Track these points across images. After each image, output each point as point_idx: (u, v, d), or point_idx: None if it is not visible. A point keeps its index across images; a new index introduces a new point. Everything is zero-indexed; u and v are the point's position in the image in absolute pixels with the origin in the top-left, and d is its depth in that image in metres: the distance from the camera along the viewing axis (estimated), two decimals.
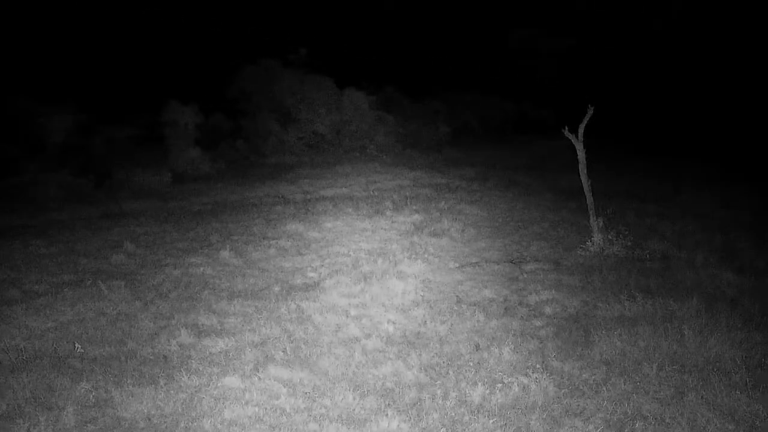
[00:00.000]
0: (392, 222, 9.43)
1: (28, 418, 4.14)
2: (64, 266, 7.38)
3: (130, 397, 4.42)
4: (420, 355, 5.14)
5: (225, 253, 7.82)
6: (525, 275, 7.06)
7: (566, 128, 7.99)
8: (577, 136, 7.94)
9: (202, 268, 7.33)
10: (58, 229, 9.22)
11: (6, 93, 14.37)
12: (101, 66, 16.85)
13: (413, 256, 7.75)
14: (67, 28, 16.32)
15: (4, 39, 15.48)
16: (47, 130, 13.86)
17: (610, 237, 7.68)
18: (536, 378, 4.70)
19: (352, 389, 4.59)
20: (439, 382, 4.74)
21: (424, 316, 5.93)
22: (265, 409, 4.34)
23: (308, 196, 11.79)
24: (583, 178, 7.96)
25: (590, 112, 7.98)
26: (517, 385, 4.63)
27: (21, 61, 15.79)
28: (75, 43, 16.37)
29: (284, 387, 4.61)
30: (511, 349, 5.19)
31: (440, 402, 4.46)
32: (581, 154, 7.89)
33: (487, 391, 4.55)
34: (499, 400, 4.45)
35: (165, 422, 4.17)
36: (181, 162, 14.00)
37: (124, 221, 9.71)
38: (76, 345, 5.22)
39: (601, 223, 7.73)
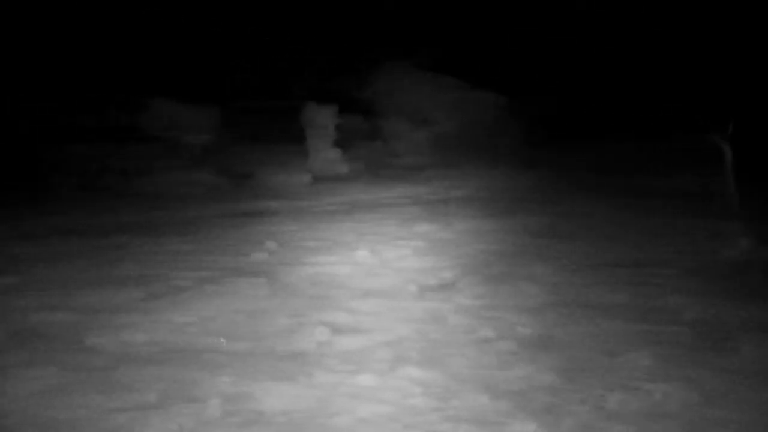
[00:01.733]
0: (519, 224, 9.44)
1: (174, 409, 4.29)
2: (204, 262, 7.63)
3: (269, 392, 4.53)
4: (552, 358, 5.09)
5: (359, 253, 7.94)
6: (655, 279, 6.92)
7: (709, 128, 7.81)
8: (721, 136, 7.74)
9: (336, 267, 7.46)
10: (199, 226, 9.55)
11: (151, 92, 14.97)
12: (238, 67, 17.28)
13: (542, 258, 7.68)
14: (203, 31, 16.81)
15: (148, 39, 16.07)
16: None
17: (755, 240, 7.45)
18: (676, 385, 4.60)
19: (484, 391, 4.58)
20: (572, 386, 4.68)
21: (555, 318, 5.87)
22: (399, 407, 4.38)
23: (439, 197, 11.88)
24: (728, 178, 7.74)
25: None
26: (656, 392, 4.54)
27: (165, 62, 16.36)
28: (220, 43, 16.84)
29: (417, 387, 4.65)
30: (647, 354, 5.08)
31: (574, 407, 4.41)
32: (728, 155, 7.68)
33: (624, 398, 4.47)
34: (636, 407, 4.37)
35: (302, 417, 4.25)
36: (319, 162, 14.30)
37: (262, 220, 9.99)
38: (221, 339, 5.40)
39: (745, 226, 7.51)
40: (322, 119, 14.72)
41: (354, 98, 16.53)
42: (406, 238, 8.68)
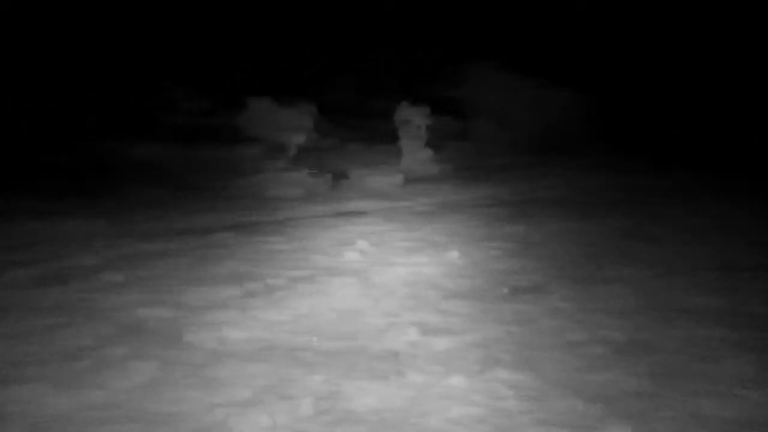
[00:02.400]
0: (606, 225, 9.33)
1: (268, 406, 4.34)
2: (299, 262, 7.69)
3: (361, 391, 4.54)
4: (645, 362, 4.98)
5: (450, 254, 7.91)
6: (747, 283, 6.72)
7: None
8: None
9: (427, 267, 7.46)
10: (294, 226, 9.64)
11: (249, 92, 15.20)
12: (333, 68, 17.41)
13: (630, 260, 7.56)
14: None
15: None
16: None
17: None
18: None
19: (575, 394, 4.51)
20: (665, 392, 4.56)
21: (646, 322, 5.73)
22: (490, 409, 4.33)
23: (526, 197, 11.80)
24: None
25: None
26: (751, 399, 4.40)
27: (263, 62, 16.58)
28: (318, 44, 17.01)
29: (508, 389, 4.60)
30: (742, 361, 4.93)
31: (668, 413, 4.30)
32: None
33: (719, 404, 4.34)
34: (731, 415, 4.24)
35: (393, 417, 4.25)
36: (411, 163, 14.32)
37: (355, 220, 10.04)
38: (314, 338, 5.43)
39: None
40: (415, 119, 14.71)
41: (443, 98, 16.51)
42: (495, 239, 8.62)
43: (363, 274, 7.17)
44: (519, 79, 17.07)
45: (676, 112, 17.69)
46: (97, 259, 7.56)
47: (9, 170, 12.40)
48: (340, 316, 5.94)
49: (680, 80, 18.04)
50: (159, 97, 15.84)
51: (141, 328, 5.61)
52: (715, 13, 18.20)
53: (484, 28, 17.75)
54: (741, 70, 17.84)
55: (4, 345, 5.18)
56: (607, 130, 16.97)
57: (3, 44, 14.52)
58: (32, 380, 4.64)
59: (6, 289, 6.51)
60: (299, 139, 14.63)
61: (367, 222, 9.87)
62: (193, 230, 9.18)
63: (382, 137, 15.45)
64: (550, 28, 18.15)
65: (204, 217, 10.09)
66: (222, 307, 6.11)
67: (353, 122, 16.50)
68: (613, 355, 5.11)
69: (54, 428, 4.05)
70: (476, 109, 17.08)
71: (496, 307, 6.16)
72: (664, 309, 6.05)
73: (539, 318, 5.87)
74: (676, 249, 8.05)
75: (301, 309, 6.11)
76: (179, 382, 4.65)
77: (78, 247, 8.01)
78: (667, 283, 6.77)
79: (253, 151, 14.37)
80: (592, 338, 5.41)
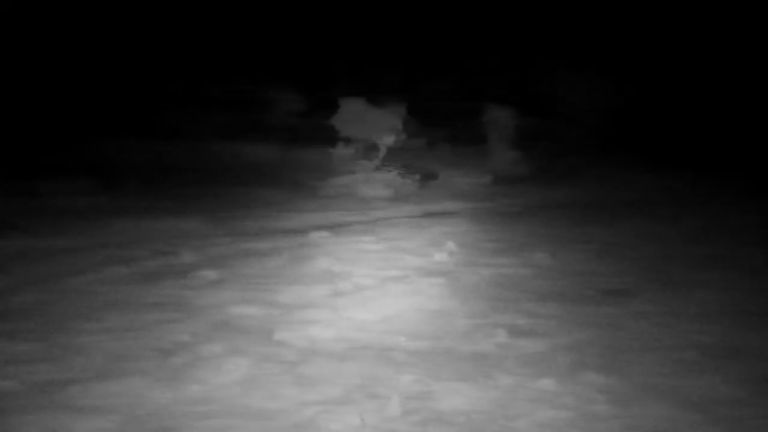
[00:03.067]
0: (687, 227, 9.14)
1: (357, 405, 4.32)
2: (389, 262, 7.68)
3: (449, 392, 4.49)
4: (737, 368, 4.81)
5: (537, 255, 7.80)
6: None
7: None
8: None
9: (515, 269, 7.36)
10: (384, 226, 9.65)
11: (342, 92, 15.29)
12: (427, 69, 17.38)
13: (716, 263, 7.40)
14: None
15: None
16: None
17: None
18: None
19: (666, 399, 4.37)
20: (759, 399, 4.39)
21: (736, 327, 5.56)
22: (579, 413, 4.23)
23: (607, 199, 11.65)
24: None
25: None
26: None
27: (355, 62, 16.64)
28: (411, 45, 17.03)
29: (598, 393, 4.48)
30: None
31: (763, 421, 4.14)
32: None
33: None
34: None
35: (481, 419, 4.18)
36: (499, 163, 14.21)
37: (443, 220, 9.99)
38: (402, 338, 5.40)
39: None
40: (501, 120, 14.61)
41: (528, 98, 16.36)
42: (581, 241, 8.49)
43: (451, 275, 7.12)
44: (594, 78, 16.81)
45: (723, 114, 17.20)
46: (194, 257, 7.67)
47: (119, 168, 12.71)
48: (429, 317, 5.90)
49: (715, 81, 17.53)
50: (258, 98, 16.04)
51: (235, 325, 5.66)
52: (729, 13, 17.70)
53: (557, 28, 17.51)
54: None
55: (105, 340, 5.27)
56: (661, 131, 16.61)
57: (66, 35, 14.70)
58: (132, 374, 4.71)
59: (108, 285, 6.64)
60: (389, 139, 14.64)
61: (455, 222, 9.81)
62: (287, 229, 9.25)
63: (469, 138, 15.36)
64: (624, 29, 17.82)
65: (298, 216, 10.16)
66: (313, 306, 6.13)
67: (441, 123, 16.43)
68: (704, 360, 4.95)
69: (153, 421, 4.10)
70: (558, 110, 16.87)
71: (584, 309, 6.04)
72: (754, 313, 5.86)
73: (627, 321, 5.75)
74: (763, 251, 7.80)
75: (391, 309, 6.08)
76: (271, 379, 4.67)
77: (177, 244, 8.14)
78: (756, 286, 6.56)
79: (345, 152, 14.45)
80: (681, 342, 5.27)
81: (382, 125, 14.69)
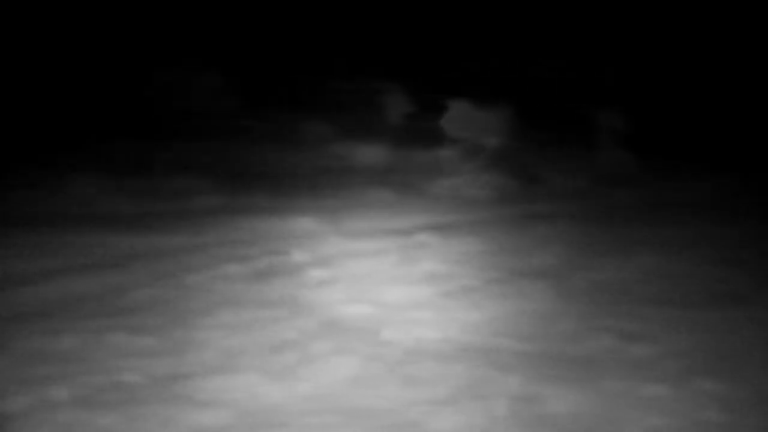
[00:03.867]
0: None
1: (464, 406, 4.25)
2: (494, 263, 7.56)
3: (557, 395, 4.37)
4: None
5: (645, 258, 7.57)
6: None
7: None
8: None
9: (621, 272, 7.15)
10: (490, 227, 9.52)
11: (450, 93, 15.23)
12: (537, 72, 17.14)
13: None
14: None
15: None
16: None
17: None
18: None
19: None
20: None
21: None
22: (690, 420, 4.06)
23: (717, 199, 11.28)
24: None
25: None
26: None
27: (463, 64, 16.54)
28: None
29: (710, 399, 4.30)
30: None
31: None
32: None
33: None
34: None
35: (589, 423, 4.05)
36: (604, 164, 13.88)
37: (549, 222, 9.79)
38: (509, 340, 5.30)
39: None
40: (605, 121, 14.29)
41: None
42: (688, 244, 8.19)
43: (557, 277, 6.97)
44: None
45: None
46: (304, 257, 7.71)
47: (235, 168, 12.92)
48: (535, 319, 5.79)
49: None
50: (367, 98, 16.12)
51: (343, 324, 5.66)
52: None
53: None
54: None
55: (219, 336, 5.35)
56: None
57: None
58: (244, 370, 4.76)
59: (222, 283, 6.73)
60: (495, 140, 14.50)
61: (560, 224, 9.60)
62: (395, 230, 9.23)
63: (575, 139, 15.06)
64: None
65: (406, 216, 10.13)
66: (420, 306, 6.09)
67: (546, 124, 16.18)
68: None
69: (263, 416, 4.13)
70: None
71: (694, 314, 5.83)
72: None
73: (741, 326, 5.53)
74: None
75: (496, 310, 6.00)
76: (378, 379, 4.65)
77: (288, 244, 8.20)
78: None
79: (451, 153, 14.36)
80: None
81: (488, 126, 14.57)
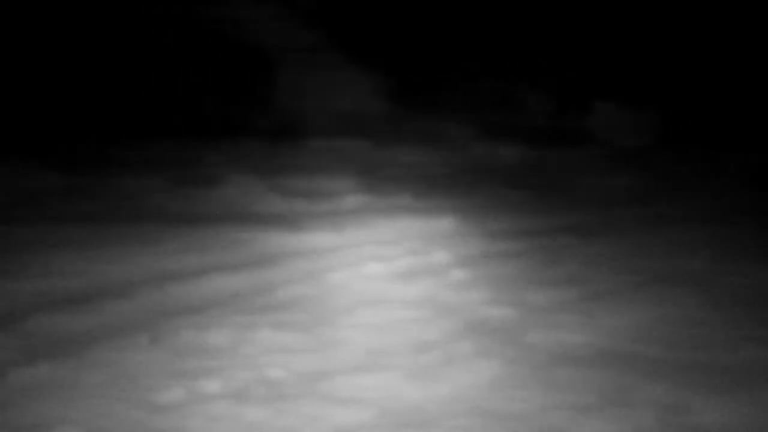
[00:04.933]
0: None
1: (609, 413, 4.06)
2: (638, 266, 7.31)
3: (707, 405, 4.12)
4: None
5: None
6: None
7: None
8: None
9: None
10: (628, 228, 9.21)
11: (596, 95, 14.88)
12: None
13: None
14: None
15: None
16: None
17: None
18: None
19: None
20: None
21: None
22: None
23: None
24: None
25: None
26: None
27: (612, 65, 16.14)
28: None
29: None
30: None
31: None
32: None
33: None
34: None
35: None
36: (755, 165, 13.30)
37: (694, 224, 9.39)
38: (655, 347, 5.07)
39: None
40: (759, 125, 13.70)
41: None
42: None
43: (703, 281, 6.66)
44: None
45: None
46: (447, 257, 7.65)
47: (376, 169, 13.00)
48: (682, 325, 5.54)
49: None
50: (509, 98, 15.98)
51: (485, 325, 5.56)
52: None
53: None
54: None
55: (360, 335, 5.35)
56: None
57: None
58: (386, 369, 4.73)
59: (364, 282, 6.75)
60: (638, 142, 14.11)
61: (707, 226, 9.19)
62: (536, 230, 9.07)
63: (720, 141, 14.48)
64: None
65: (546, 217, 9.94)
66: (563, 309, 5.93)
67: (690, 126, 15.60)
68: None
69: (405, 416, 4.08)
70: None
71: None
72: None
73: None
74: None
75: (641, 315, 5.78)
76: (520, 382, 4.53)
77: (430, 244, 8.17)
78: None
79: (592, 153, 14.05)
80: None
81: (628, 127, 14.23)
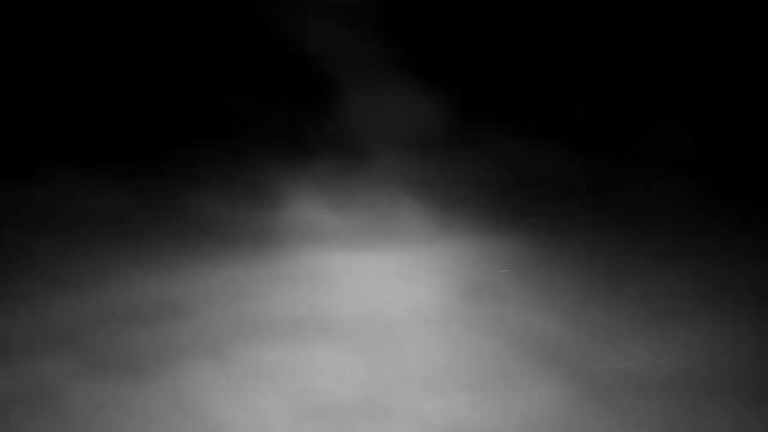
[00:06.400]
0: None
1: None
2: (698, 289, 7.04)
3: None
4: None
5: None
6: None
7: None
8: None
9: None
10: (692, 252, 8.90)
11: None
12: None
13: None
14: None
15: None
16: None
17: None
18: None
19: None
20: None
21: None
22: None
23: None
24: None
25: None
26: None
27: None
28: None
29: None
30: None
31: None
32: None
33: None
34: None
35: None
36: None
37: None
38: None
39: None
40: None
41: None
42: None
43: None
44: None
45: None
46: (511, 276, 7.48)
47: (449, 188, 12.85)
48: (753, 351, 5.25)
49: None
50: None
51: (548, 347, 5.40)
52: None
53: None
54: None
55: (423, 354, 5.28)
56: None
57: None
58: (446, 391, 4.66)
59: (428, 301, 6.61)
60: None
61: None
62: (604, 251, 8.72)
63: None
64: None
65: (616, 238, 9.64)
66: (629, 332, 5.73)
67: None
68: None
69: None
70: None
71: None
72: None
73: None
74: None
75: (709, 339, 5.51)
76: (584, 408, 4.36)
77: (497, 264, 8.00)
78: None
79: (659, 170, 13.68)
80: None
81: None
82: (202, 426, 4.01)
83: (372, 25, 12.59)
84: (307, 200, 10.51)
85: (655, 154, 14.15)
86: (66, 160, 10.20)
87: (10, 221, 8.47)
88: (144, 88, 13.66)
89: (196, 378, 4.72)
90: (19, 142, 11.65)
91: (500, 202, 11.81)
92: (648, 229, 10.31)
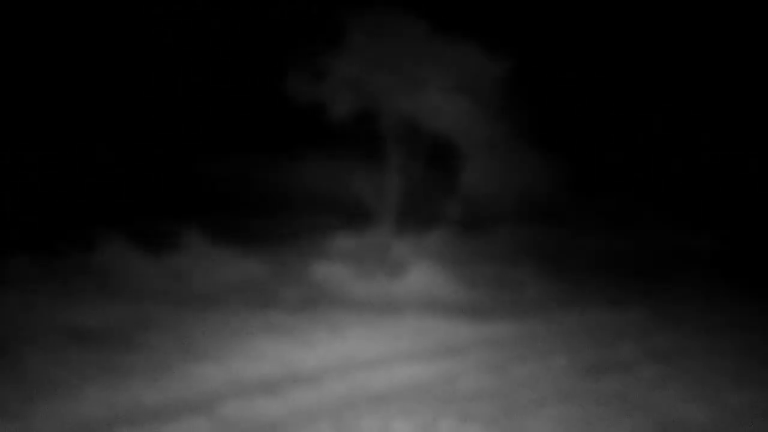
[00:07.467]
0: None
1: None
2: None
3: None
4: None
5: None
6: None
7: None
8: None
9: None
10: None
11: None
12: None
13: None
14: None
15: None
16: None
17: None
18: None
19: None
20: None
21: None
22: None
23: None
24: None
25: None
26: None
27: None
28: None
29: None
30: None
31: None
32: None
33: None
34: None
35: None
36: None
37: None
38: None
39: None
40: None
41: None
42: None
43: None
44: None
45: None
46: (637, 350, 7.28)
47: (563, 256, 12.71)
48: None
49: None
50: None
51: (678, 427, 5.20)
52: None
53: None
54: None
55: (551, 429, 5.13)
56: None
57: None
58: None
59: (550, 376, 6.45)
60: None
61: None
62: (733, 325, 8.52)
63: None
64: None
65: (743, 311, 9.33)
66: (763, 412, 5.44)
67: None
68: None
69: None
70: None
71: None
72: None
73: None
74: None
75: None
76: None
77: (619, 336, 7.82)
78: None
79: None
80: None
81: None
82: None
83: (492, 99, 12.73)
84: (430, 272, 10.55)
85: None
86: (203, 232, 10.63)
87: (148, 291, 8.86)
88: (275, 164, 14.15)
89: None
90: (162, 215, 12.18)
91: (623, 271, 11.60)
92: None
